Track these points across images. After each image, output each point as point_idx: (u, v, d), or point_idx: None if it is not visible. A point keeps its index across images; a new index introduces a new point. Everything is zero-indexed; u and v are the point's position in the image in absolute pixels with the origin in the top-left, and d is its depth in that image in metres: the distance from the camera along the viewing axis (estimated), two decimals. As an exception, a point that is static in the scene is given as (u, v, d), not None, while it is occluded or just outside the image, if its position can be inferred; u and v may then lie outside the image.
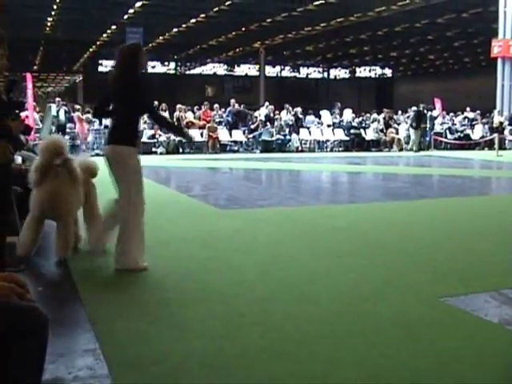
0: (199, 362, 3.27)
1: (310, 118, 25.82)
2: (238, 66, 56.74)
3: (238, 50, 50.83)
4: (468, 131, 26.92)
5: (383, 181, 14.35)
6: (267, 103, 25.41)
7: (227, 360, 3.31)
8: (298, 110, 25.42)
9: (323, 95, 55.44)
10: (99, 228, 5.88)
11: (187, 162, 18.40)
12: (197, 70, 56.78)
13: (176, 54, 52.65)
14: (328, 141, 24.80)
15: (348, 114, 25.97)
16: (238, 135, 23.58)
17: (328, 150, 24.50)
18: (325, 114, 26.58)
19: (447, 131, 26.59)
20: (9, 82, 5.22)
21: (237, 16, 35.55)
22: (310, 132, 24.61)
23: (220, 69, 57.10)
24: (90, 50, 48.29)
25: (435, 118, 26.35)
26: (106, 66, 52.00)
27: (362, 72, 61.97)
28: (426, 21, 36.03)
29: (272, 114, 24.28)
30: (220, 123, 23.77)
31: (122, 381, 3.06)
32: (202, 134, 22.16)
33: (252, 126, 23.94)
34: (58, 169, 5.32)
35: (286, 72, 59.21)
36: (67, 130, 21.37)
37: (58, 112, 21.01)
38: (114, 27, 38.40)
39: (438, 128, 26.36)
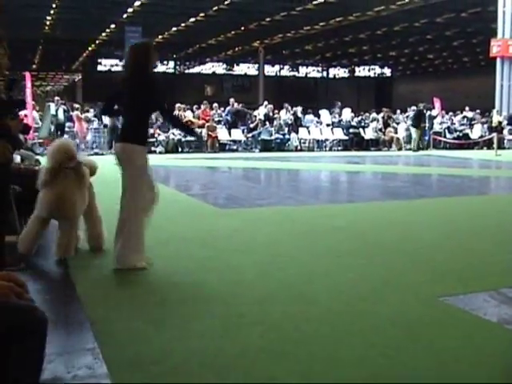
0: (199, 362, 3.27)
1: (309, 117, 25.82)
2: (237, 65, 56.74)
3: (237, 49, 50.82)
4: (467, 131, 26.93)
5: (382, 180, 14.36)
6: (266, 102, 25.41)
7: (226, 360, 3.31)
8: (299, 109, 25.43)
9: (322, 94, 55.44)
10: (98, 227, 5.89)
11: (186, 161, 18.40)
12: (196, 69, 56.78)
13: (175, 53, 52.62)
14: (327, 140, 24.80)
15: (347, 114, 25.97)
16: (237, 134, 23.59)
17: (327, 149, 24.50)
18: (324, 113, 26.59)
19: (446, 131, 26.61)
20: (9, 81, 5.21)
21: (236, 15, 35.54)
22: (309, 131, 24.61)
23: (219, 68, 57.09)
24: (89, 49, 48.25)
25: (434, 117, 26.37)
26: (105, 65, 52.04)
27: (361, 71, 61.98)
28: (425, 20, 36.03)
29: (271, 114, 24.29)
30: (219, 122, 23.77)
31: (121, 380, 3.06)
32: (201, 133, 22.15)
33: (251, 126, 23.95)
34: (67, 171, 5.35)
35: (285, 71, 59.22)
36: (66, 129, 21.37)
37: (56, 111, 20.99)
38: (113, 26, 38.40)
39: (437, 127, 26.37)
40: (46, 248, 5.98)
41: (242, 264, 5.43)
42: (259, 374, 3.12)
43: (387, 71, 62.85)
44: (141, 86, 5.20)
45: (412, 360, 3.31)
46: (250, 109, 26.13)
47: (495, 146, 22.69)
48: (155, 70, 5.52)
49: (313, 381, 3.07)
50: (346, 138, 24.83)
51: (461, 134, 26.60)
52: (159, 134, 21.61)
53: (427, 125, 25.31)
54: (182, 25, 38.46)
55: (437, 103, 28.08)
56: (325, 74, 61.18)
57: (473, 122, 27.46)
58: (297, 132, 24.21)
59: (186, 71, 56.14)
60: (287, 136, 23.79)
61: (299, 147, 23.91)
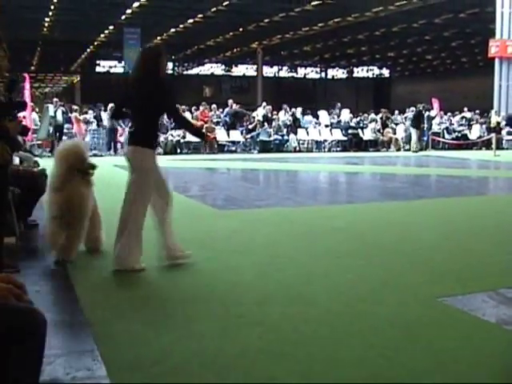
0: (198, 363, 3.27)
1: (308, 118, 25.83)
2: (236, 66, 56.77)
3: (235, 50, 50.85)
4: (465, 131, 26.95)
5: (381, 181, 14.36)
6: (265, 103, 25.41)
7: (226, 360, 3.31)
8: (299, 110, 25.43)
9: (321, 95, 55.51)
10: (97, 230, 5.89)
11: (185, 162, 18.39)
12: (194, 71, 56.79)
13: (174, 54, 52.59)
14: (326, 141, 24.81)
15: (346, 114, 25.98)
16: (236, 135, 23.59)
17: (326, 150, 24.51)
18: (323, 114, 26.60)
19: (445, 131, 26.62)
20: (9, 82, 5.21)
21: (234, 16, 35.56)
22: (307, 132, 24.62)
23: (218, 69, 57.11)
24: (88, 50, 48.25)
25: (433, 118, 26.38)
26: (104, 66, 52.06)
27: (360, 72, 62.03)
28: (424, 21, 36.06)
29: (270, 115, 24.29)
30: (218, 123, 23.76)
31: (120, 381, 3.06)
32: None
33: (250, 127, 23.95)
34: (77, 173, 5.37)
35: (284, 72, 59.26)
36: (65, 131, 21.35)
37: (55, 112, 20.96)
38: (111, 28, 38.42)
39: (435, 128, 26.38)
40: (44, 249, 5.97)
41: (241, 265, 5.43)
42: (259, 375, 3.12)
43: (386, 72, 62.90)
44: (151, 89, 5.22)
45: (411, 360, 3.32)
46: (249, 110, 26.13)
47: (494, 146, 22.71)
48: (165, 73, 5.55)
49: (312, 381, 3.07)
50: (345, 138, 24.83)
51: (459, 135, 26.62)
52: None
53: (426, 125, 25.32)
54: (181, 26, 38.47)
55: (435, 104, 28.10)
56: (323, 74, 61.23)
57: (471, 123, 27.49)
58: (295, 133, 24.21)
59: (185, 72, 56.15)
60: (286, 137, 23.79)
61: (298, 148, 23.92)
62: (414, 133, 23.91)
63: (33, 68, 50.34)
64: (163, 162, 17.23)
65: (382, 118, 26.37)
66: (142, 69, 5.38)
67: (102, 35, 42.09)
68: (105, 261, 5.43)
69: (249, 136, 23.72)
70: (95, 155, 19.10)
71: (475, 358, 3.37)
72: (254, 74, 52.05)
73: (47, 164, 9.62)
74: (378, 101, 52.76)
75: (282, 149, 23.30)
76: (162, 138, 21.58)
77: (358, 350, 3.45)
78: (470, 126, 27.36)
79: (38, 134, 20.33)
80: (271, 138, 23.41)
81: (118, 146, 21.70)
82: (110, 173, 12.86)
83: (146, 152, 5.24)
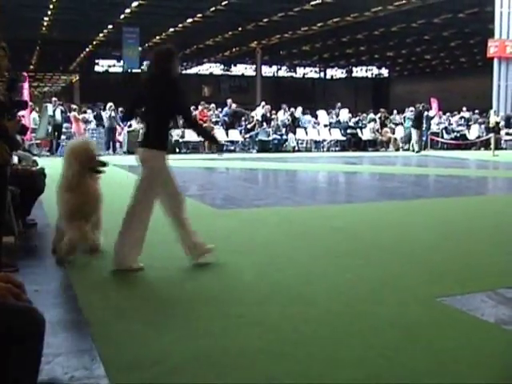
0: (198, 363, 3.26)
1: (307, 117, 25.83)
2: (235, 65, 56.78)
3: (234, 49, 50.86)
4: (464, 131, 26.97)
5: (380, 181, 14.36)
6: (264, 103, 25.41)
7: (226, 360, 3.30)
8: (299, 109, 25.41)
9: (320, 95, 55.52)
10: (99, 227, 5.88)
11: (184, 161, 18.34)
12: (193, 70, 56.77)
13: (172, 53, 52.57)
14: (324, 141, 24.82)
15: (344, 114, 25.98)
16: (235, 135, 23.58)
17: (324, 149, 24.52)
18: (321, 113, 26.60)
19: (443, 131, 26.63)
20: (10, 82, 5.21)
21: (233, 16, 35.56)
22: (306, 132, 24.61)
23: (216, 69, 57.11)
24: (87, 49, 48.23)
25: (432, 117, 26.38)
26: (103, 65, 52.02)
27: (359, 72, 62.06)
28: (423, 21, 36.08)
29: (268, 114, 24.29)
30: (216, 123, 23.75)
31: (119, 381, 3.05)
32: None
33: (249, 126, 23.95)
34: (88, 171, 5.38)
35: (283, 72, 59.26)
36: (64, 130, 21.35)
37: (54, 112, 20.96)
38: (110, 27, 38.40)
39: (434, 128, 26.39)
40: (43, 249, 5.97)
41: (241, 265, 5.43)
42: (258, 375, 3.12)
43: (384, 72, 62.92)
44: (163, 88, 5.24)
45: (411, 360, 3.31)
46: (248, 109, 26.13)
47: (492, 146, 22.71)
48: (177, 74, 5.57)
49: (312, 381, 3.07)
50: (344, 138, 24.84)
51: (458, 135, 26.64)
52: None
53: (425, 125, 25.31)
54: (180, 25, 38.47)
55: (434, 104, 28.10)
56: (322, 74, 61.25)
57: (469, 123, 27.50)
58: (294, 133, 24.21)
59: (184, 72, 56.09)
60: (285, 137, 23.80)
61: (297, 148, 23.92)
62: (414, 133, 23.71)
63: (32, 67, 50.31)
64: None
65: (380, 118, 26.38)
66: (154, 69, 5.41)
67: (101, 34, 42.07)
68: (104, 260, 5.42)
69: (248, 136, 23.72)
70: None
71: (475, 358, 3.37)
72: (253, 73, 52.06)
73: (46, 163, 9.63)
74: (377, 100, 52.76)
75: (280, 148, 23.30)
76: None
77: (357, 350, 3.45)
78: (468, 126, 27.37)
79: (37, 134, 20.32)
80: (270, 138, 23.41)
81: (117, 145, 21.71)
82: (109, 172, 12.79)
83: (156, 153, 5.27)
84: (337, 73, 61.76)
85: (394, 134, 25.69)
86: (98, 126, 22.90)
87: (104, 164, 5.53)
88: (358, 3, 31.28)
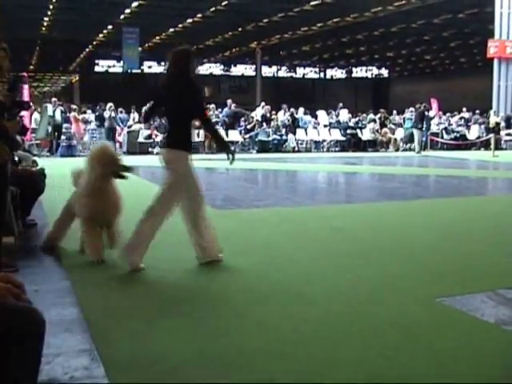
0: (197, 362, 3.26)
1: (307, 117, 25.82)
2: (235, 66, 56.76)
3: (234, 50, 50.86)
4: (464, 131, 26.96)
5: (380, 181, 14.35)
6: (263, 103, 25.40)
7: (226, 360, 3.30)
8: (301, 110, 25.37)
9: (320, 95, 55.52)
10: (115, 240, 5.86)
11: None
12: (193, 70, 56.66)
13: (172, 54, 52.59)
14: (324, 141, 24.81)
15: (344, 114, 25.97)
16: (235, 135, 23.57)
17: (324, 150, 24.51)
18: (321, 114, 26.59)
19: (443, 131, 26.61)
20: (12, 82, 5.21)
21: (233, 16, 35.56)
22: (306, 132, 24.61)
23: (216, 69, 57.08)
24: (87, 50, 48.23)
25: (432, 118, 26.35)
26: (103, 66, 52.00)
27: (359, 72, 62.04)
28: (423, 21, 36.09)
29: (268, 114, 24.28)
30: (216, 123, 23.72)
31: (118, 381, 3.05)
32: (198, 135, 22.13)
33: (248, 126, 23.95)
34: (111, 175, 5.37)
35: (283, 72, 59.24)
36: (63, 130, 21.34)
37: (54, 112, 20.97)
38: (110, 27, 38.41)
39: (434, 128, 26.36)
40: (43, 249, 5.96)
41: (241, 265, 5.42)
42: (258, 375, 3.12)
43: (384, 72, 62.90)
44: (182, 89, 5.27)
45: (411, 361, 3.31)
46: (248, 110, 26.12)
47: (492, 146, 22.69)
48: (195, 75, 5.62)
49: (312, 381, 3.07)
50: (344, 138, 24.83)
51: (458, 135, 26.62)
52: (157, 135, 21.60)
53: (425, 126, 25.26)
54: (180, 26, 38.47)
55: (434, 104, 28.10)
56: (322, 74, 61.24)
57: (469, 124, 27.49)
58: (294, 133, 24.20)
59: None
60: (284, 137, 23.79)
61: (296, 148, 23.92)
62: (416, 134, 23.48)
63: (31, 67, 50.31)
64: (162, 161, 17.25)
65: (380, 118, 26.38)
66: (173, 69, 5.45)
67: (101, 35, 42.07)
68: (104, 260, 5.42)
69: (247, 136, 23.72)
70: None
71: (475, 358, 3.37)
72: (253, 73, 52.05)
73: (46, 163, 9.64)
74: (377, 101, 52.78)
75: (280, 149, 23.30)
76: (160, 137, 21.57)
77: (357, 350, 3.45)
78: (468, 127, 27.36)
79: (37, 134, 20.31)
80: (270, 138, 23.41)
81: (117, 145, 21.70)
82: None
83: (180, 154, 5.31)
84: (337, 73, 61.75)
85: (393, 134, 25.67)
86: (99, 126, 22.88)
87: (127, 169, 5.45)
88: (357, 3, 31.28)
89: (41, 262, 5.56)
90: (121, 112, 23.21)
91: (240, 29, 40.05)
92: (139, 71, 48.09)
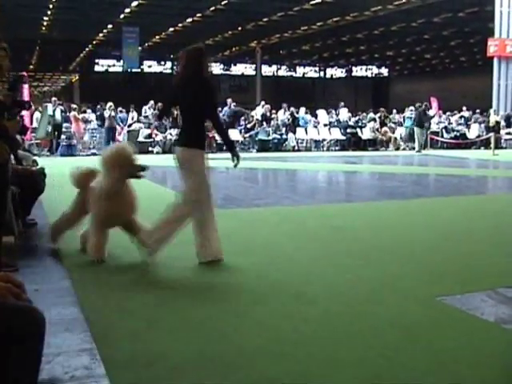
0: (197, 362, 3.27)
1: (307, 117, 25.81)
2: (235, 65, 56.71)
3: (234, 49, 50.84)
4: (464, 130, 26.94)
5: (380, 180, 14.35)
6: (263, 102, 25.39)
7: (225, 360, 3.30)
8: (302, 109, 25.35)
9: (320, 94, 55.47)
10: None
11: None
12: (193, 70, 56.63)
13: (172, 53, 52.54)
14: (324, 140, 24.79)
15: (344, 114, 25.96)
16: (235, 134, 23.54)
17: (324, 149, 24.49)
18: (321, 113, 26.58)
19: (443, 130, 26.60)
20: (12, 82, 5.21)
21: (233, 15, 35.54)
22: (306, 131, 24.60)
23: (216, 68, 56.99)
24: (87, 49, 48.21)
25: (431, 117, 26.35)
26: (103, 65, 51.97)
27: (359, 71, 61.98)
28: (423, 20, 36.08)
29: (268, 114, 24.27)
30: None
31: (118, 381, 3.05)
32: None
33: (248, 126, 23.93)
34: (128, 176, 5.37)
35: (283, 71, 59.18)
36: (63, 130, 21.34)
37: (54, 111, 20.97)
38: (110, 27, 38.40)
39: (434, 127, 26.34)
40: (43, 249, 5.97)
41: (240, 264, 5.43)
42: (258, 375, 3.12)
43: (384, 71, 62.86)
44: (197, 88, 5.29)
45: (411, 360, 3.31)
46: (248, 109, 26.11)
47: (492, 145, 22.69)
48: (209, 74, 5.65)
49: (311, 381, 3.07)
50: (344, 137, 24.82)
51: (458, 134, 26.61)
52: (157, 135, 21.60)
53: (425, 124, 25.25)
54: (180, 25, 38.46)
55: (434, 103, 28.09)
56: (322, 74, 61.18)
57: (469, 123, 27.48)
58: (294, 132, 24.20)
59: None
60: (284, 136, 23.78)
61: (296, 147, 23.91)
62: (417, 133, 23.35)
63: (32, 67, 50.28)
64: (162, 161, 17.27)
65: (380, 117, 26.37)
66: (186, 69, 5.47)
67: (101, 34, 42.06)
68: (103, 260, 5.42)
69: (247, 135, 23.71)
70: (94, 154, 19.10)
71: (475, 357, 3.37)
72: (253, 73, 52.03)
73: (46, 163, 9.63)
74: (377, 100, 52.76)
75: (280, 148, 23.29)
76: (160, 136, 21.58)
77: (357, 350, 3.45)
78: (468, 126, 27.35)
79: (37, 133, 20.31)
80: (270, 137, 23.40)
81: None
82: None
83: (195, 153, 5.36)
84: (337, 72, 61.69)
85: (393, 133, 25.66)
86: (100, 126, 22.87)
87: (144, 168, 5.42)
88: (357, 2, 31.28)
89: (41, 262, 5.56)
90: (121, 111, 23.19)
91: (240, 28, 40.04)
92: (139, 70, 48.07)
